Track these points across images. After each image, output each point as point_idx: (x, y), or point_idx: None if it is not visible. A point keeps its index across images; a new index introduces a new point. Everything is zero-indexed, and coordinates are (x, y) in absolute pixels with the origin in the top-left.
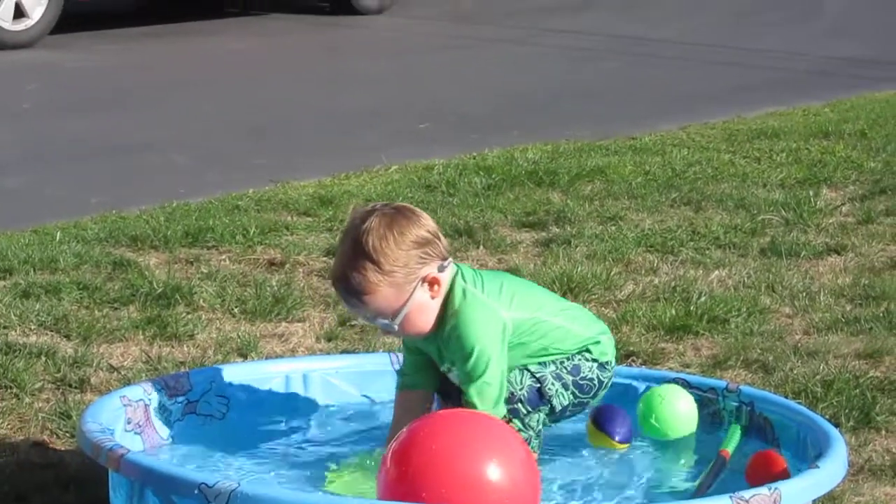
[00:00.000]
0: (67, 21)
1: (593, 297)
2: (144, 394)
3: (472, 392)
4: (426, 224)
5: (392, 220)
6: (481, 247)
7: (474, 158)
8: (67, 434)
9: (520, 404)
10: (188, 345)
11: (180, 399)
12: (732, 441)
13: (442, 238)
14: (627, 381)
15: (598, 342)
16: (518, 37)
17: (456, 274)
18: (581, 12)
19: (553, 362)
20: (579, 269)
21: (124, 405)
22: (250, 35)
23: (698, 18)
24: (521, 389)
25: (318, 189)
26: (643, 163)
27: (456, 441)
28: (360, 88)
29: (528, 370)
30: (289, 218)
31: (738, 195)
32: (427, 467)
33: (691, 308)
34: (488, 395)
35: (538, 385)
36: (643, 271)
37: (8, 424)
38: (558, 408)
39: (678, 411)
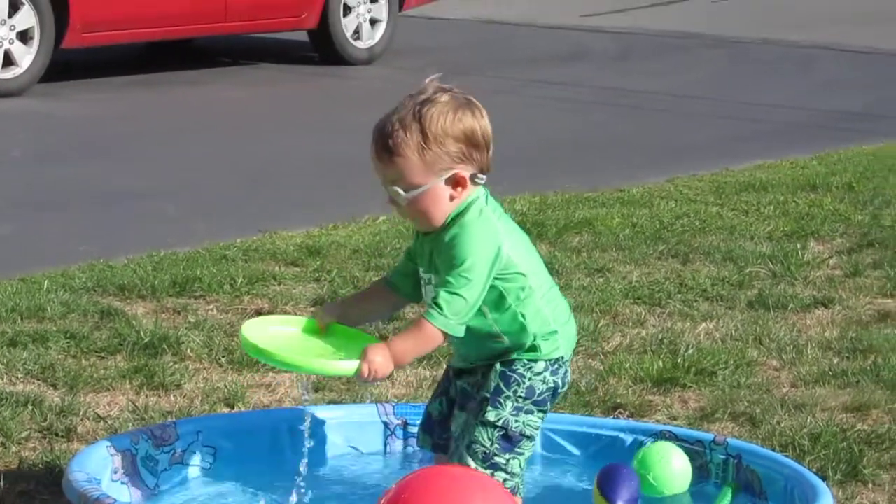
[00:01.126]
0: (56, 69)
1: (581, 348)
2: (131, 443)
3: (443, 297)
4: (485, 129)
5: (459, 105)
6: None
7: None
8: (54, 483)
9: (497, 458)
10: (175, 394)
11: (167, 449)
12: (724, 501)
13: (490, 152)
14: (615, 434)
15: (553, 333)
16: (506, 87)
17: (483, 195)
18: (569, 64)
19: (508, 398)
20: None
21: (111, 455)
22: (240, 85)
23: (686, 71)
24: (491, 445)
25: (305, 239)
26: (631, 215)
27: (446, 498)
28: (349, 138)
29: (488, 422)
30: (276, 268)
31: (725, 248)
32: None
33: (679, 360)
34: (456, 307)
35: (503, 431)
36: (630, 323)
37: None
38: (535, 434)
39: (674, 469)
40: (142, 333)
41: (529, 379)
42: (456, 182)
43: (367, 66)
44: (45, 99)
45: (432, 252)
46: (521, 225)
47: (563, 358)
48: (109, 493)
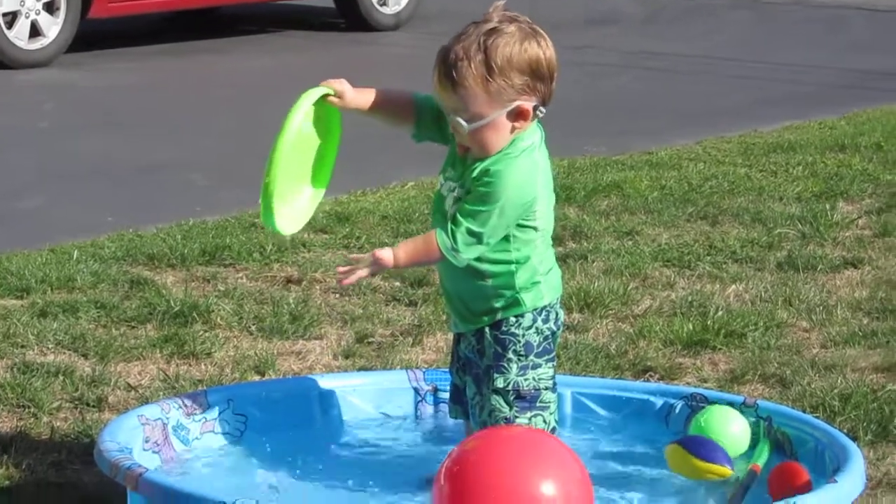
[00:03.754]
0: (83, 40)
1: (610, 312)
2: (162, 412)
3: (462, 229)
4: (550, 59)
5: (526, 35)
6: None
7: None
8: (85, 453)
9: (518, 419)
10: (205, 363)
11: (198, 418)
12: (762, 456)
13: (553, 83)
14: (645, 397)
15: (536, 283)
16: None
17: (539, 138)
18: (597, 27)
19: (510, 360)
20: (596, 284)
21: (142, 424)
22: (266, 53)
23: (714, 33)
24: (510, 410)
25: (334, 206)
26: (659, 177)
27: (511, 459)
28: None
29: (499, 389)
30: (305, 235)
31: (754, 209)
32: (481, 485)
33: (708, 323)
34: (469, 241)
35: (516, 393)
36: (660, 286)
37: (26, 444)
38: (550, 383)
39: (738, 431)
40: (172, 302)
41: (522, 335)
42: (518, 114)
43: (393, 32)
44: (71, 69)
45: (464, 172)
46: None
47: (549, 304)
48: (141, 462)
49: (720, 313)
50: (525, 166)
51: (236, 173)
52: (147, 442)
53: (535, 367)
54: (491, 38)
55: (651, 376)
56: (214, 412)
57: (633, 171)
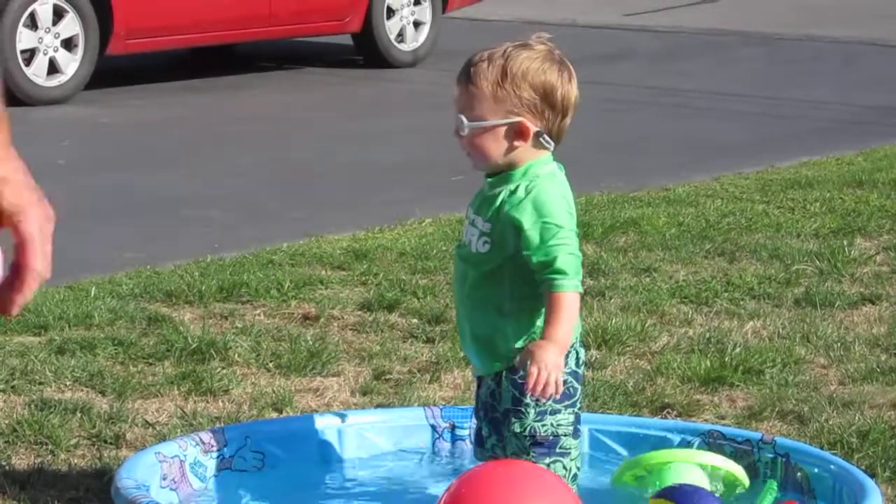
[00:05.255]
0: (101, 77)
1: (628, 349)
2: (180, 450)
3: (563, 261)
4: (567, 94)
5: (550, 59)
6: None
7: None
8: (103, 490)
9: (542, 463)
10: (223, 400)
11: (215, 455)
12: (767, 498)
13: (566, 122)
14: (662, 434)
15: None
16: None
17: (551, 161)
18: (612, 63)
19: (528, 405)
20: (613, 321)
21: (160, 461)
22: (284, 89)
23: (729, 69)
24: (529, 455)
25: (352, 243)
26: (677, 214)
27: (502, 493)
28: (393, 142)
29: (517, 434)
30: (323, 272)
31: (772, 245)
32: None
33: (726, 359)
34: (576, 265)
35: (532, 439)
36: (677, 323)
37: (43, 481)
38: (570, 430)
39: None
40: (189, 339)
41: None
42: (518, 131)
43: (411, 69)
44: (89, 106)
45: (501, 203)
46: None
47: (569, 345)
48: (158, 499)
49: (738, 350)
50: (555, 179)
51: (254, 210)
52: (164, 479)
53: (554, 412)
54: (517, 50)
55: (669, 413)
56: (232, 449)
57: (651, 207)
